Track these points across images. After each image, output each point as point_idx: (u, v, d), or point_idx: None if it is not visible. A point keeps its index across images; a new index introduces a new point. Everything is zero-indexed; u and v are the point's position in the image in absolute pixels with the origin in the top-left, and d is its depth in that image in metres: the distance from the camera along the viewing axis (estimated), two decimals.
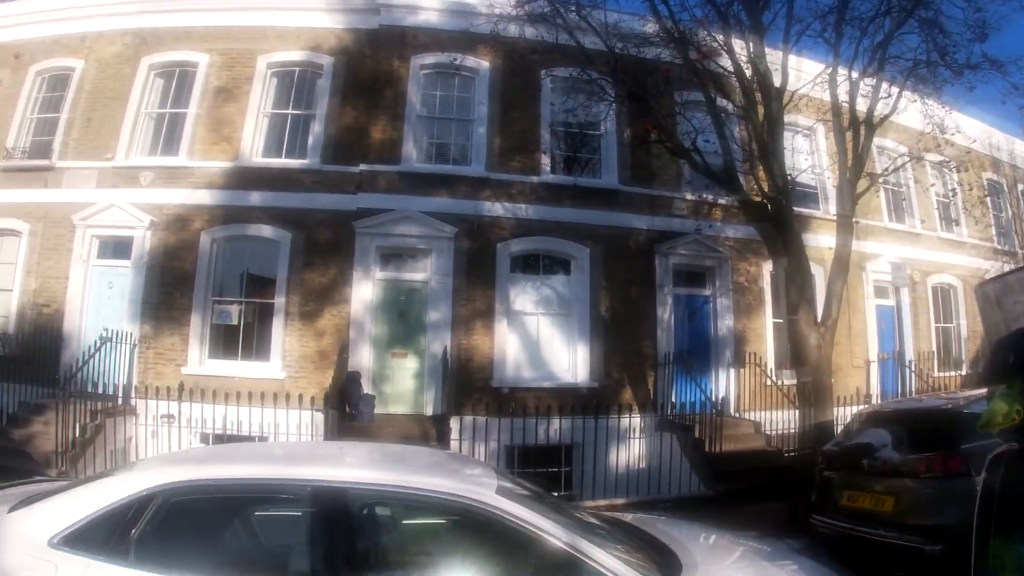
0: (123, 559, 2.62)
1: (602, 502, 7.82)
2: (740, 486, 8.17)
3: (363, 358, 9.95)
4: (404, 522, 3.42)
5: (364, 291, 10.02)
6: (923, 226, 14.26)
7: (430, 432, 9.11)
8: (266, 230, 10.18)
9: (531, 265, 10.96)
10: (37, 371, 10.30)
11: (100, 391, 9.44)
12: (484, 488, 2.81)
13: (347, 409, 9.21)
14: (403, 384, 10.28)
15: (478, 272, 10.46)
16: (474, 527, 2.99)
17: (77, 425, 8.93)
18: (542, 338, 10.83)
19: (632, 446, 9.45)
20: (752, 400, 10.89)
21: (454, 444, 8.81)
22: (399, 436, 8.45)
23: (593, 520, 3.49)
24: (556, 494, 6.85)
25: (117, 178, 10.96)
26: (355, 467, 3.11)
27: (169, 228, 10.35)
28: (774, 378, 11.14)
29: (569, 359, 10.81)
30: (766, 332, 12.13)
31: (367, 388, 9.83)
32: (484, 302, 10.47)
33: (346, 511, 2.72)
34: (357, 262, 10.03)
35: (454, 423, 9.17)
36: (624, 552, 2.90)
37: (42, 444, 9.24)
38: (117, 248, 10.67)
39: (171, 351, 9.91)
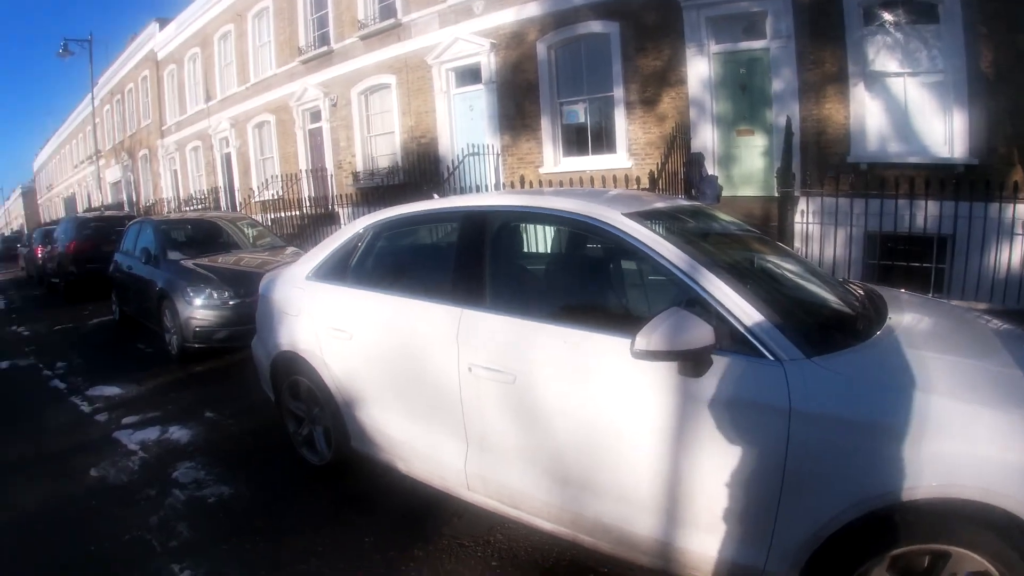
0: (342, 281, 3.48)
1: (981, 306, 6.38)
2: None
3: (707, 139, 9.72)
4: (540, 244, 3.69)
5: (700, 68, 9.68)
6: None
7: (772, 214, 8.47)
8: (594, 25, 10.25)
9: (888, 14, 9.41)
10: (423, 191, 12.27)
11: None
12: (611, 210, 2.59)
13: (692, 192, 9.15)
14: (750, 163, 9.80)
15: (824, 30, 9.27)
16: (599, 247, 3.17)
17: None
18: (909, 103, 9.26)
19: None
20: None
21: (800, 227, 8.17)
22: (740, 216, 8.09)
23: (792, 268, 2.97)
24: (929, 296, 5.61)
25: (454, 15, 12.05)
26: (501, 197, 3.29)
27: (508, 46, 11.11)
28: None
29: (944, 129, 9.10)
30: None
31: (713, 169, 9.67)
32: (834, 64, 9.37)
33: (483, 228, 2.90)
34: (688, 38, 9.61)
35: (804, 203, 8.48)
36: (782, 298, 2.45)
37: None
38: (469, 75, 11.90)
39: (529, 155, 10.94)
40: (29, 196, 67.71)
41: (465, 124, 12.03)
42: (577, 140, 10.67)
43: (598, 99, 10.41)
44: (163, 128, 25.01)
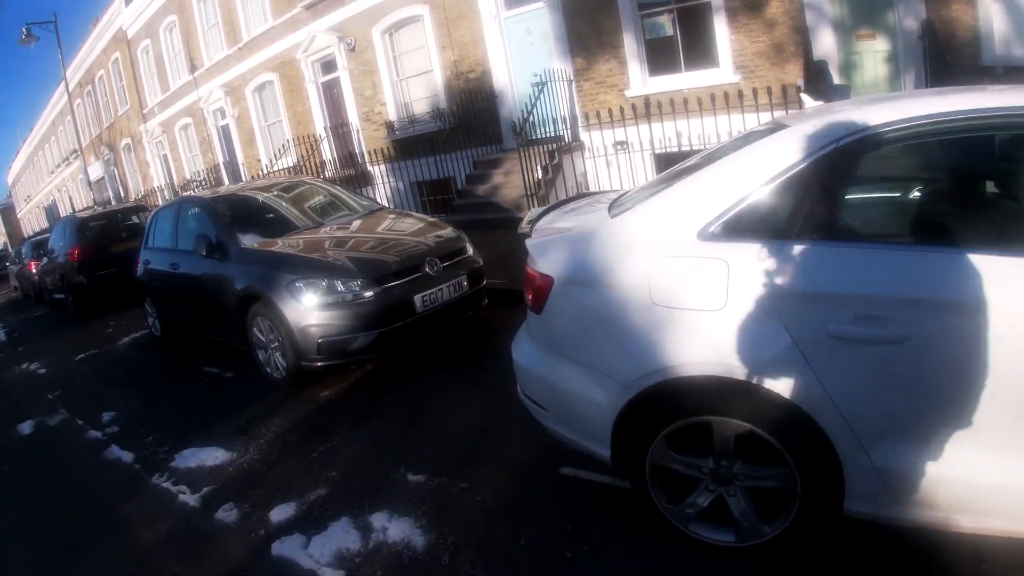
0: (813, 236, 1.95)
1: None
2: None
3: (825, 45, 8.51)
4: None
5: None
6: None
7: None
8: None
9: None
10: (480, 133, 10.76)
11: (546, 133, 9.47)
12: None
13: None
14: (874, 70, 8.60)
15: None
16: None
17: (538, 167, 9.00)
18: None
19: None
20: None
21: None
22: None
23: None
24: None
25: None
26: None
27: None
28: None
29: None
30: None
31: (836, 79, 8.50)
32: None
33: None
34: None
35: None
36: None
37: (507, 193, 9.62)
38: None
39: (610, 77, 9.39)
40: (8, 212, 65.52)
41: (523, 50, 10.44)
42: (666, 56, 9.12)
43: (689, 7, 8.85)
44: (144, 112, 23.01)
